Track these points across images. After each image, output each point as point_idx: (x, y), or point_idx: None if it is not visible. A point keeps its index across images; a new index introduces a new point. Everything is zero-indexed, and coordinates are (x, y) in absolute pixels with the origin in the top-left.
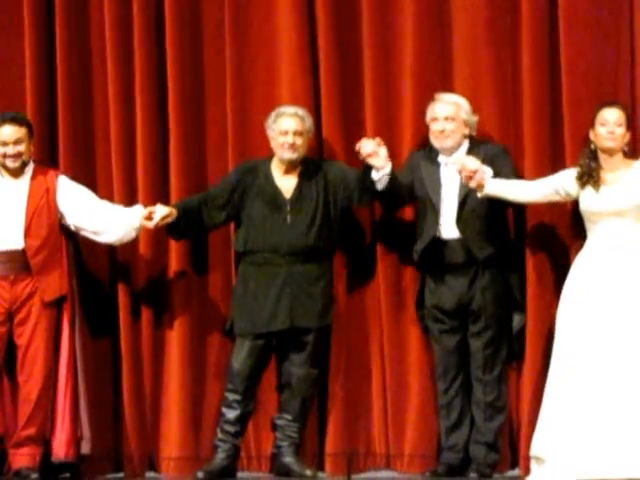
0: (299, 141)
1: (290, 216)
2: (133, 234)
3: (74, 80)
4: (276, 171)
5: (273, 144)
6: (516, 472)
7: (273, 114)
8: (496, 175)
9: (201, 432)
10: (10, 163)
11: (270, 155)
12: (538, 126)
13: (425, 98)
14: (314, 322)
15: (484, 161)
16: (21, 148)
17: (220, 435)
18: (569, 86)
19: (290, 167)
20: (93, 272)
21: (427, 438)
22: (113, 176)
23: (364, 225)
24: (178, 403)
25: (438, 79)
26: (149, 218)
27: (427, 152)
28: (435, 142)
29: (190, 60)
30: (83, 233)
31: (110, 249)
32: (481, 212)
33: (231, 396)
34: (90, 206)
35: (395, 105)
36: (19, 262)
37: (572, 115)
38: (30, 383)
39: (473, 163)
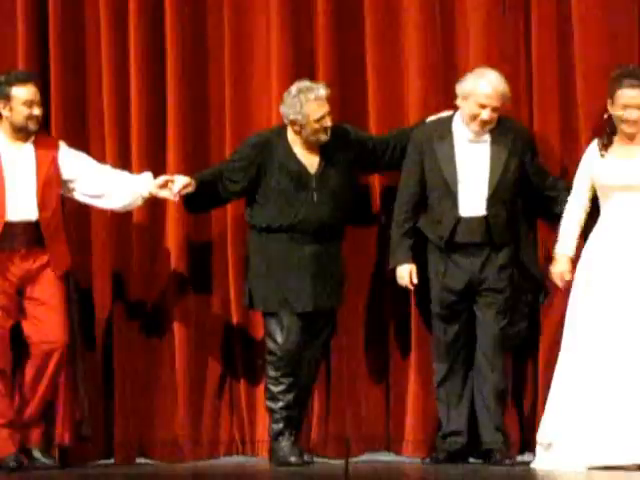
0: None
1: (316, 193)
2: (139, 202)
3: (68, 49)
4: (297, 146)
5: (302, 121)
6: (526, 457)
7: (306, 92)
8: (522, 165)
9: (197, 417)
10: (33, 126)
11: (276, 126)
12: (549, 96)
13: (431, 76)
14: (339, 303)
15: (514, 140)
16: (42, 110)
17: (280, 425)
18: (580, 54)
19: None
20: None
21: (428, 423)
22: (106, 149)
23: (366, 203)
24: (172, 386)
25: (445, 51)
26: (165, 186)
27: (439, 129)
28: (473, 125)
29: (190, 29)
30: (84, 199)
31: (103, 221)
32: (511, 193)
33: (286, 380)
34: (95, 171)
35: (398, 81)
36: (30, 234)
37: (583, 84)
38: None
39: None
